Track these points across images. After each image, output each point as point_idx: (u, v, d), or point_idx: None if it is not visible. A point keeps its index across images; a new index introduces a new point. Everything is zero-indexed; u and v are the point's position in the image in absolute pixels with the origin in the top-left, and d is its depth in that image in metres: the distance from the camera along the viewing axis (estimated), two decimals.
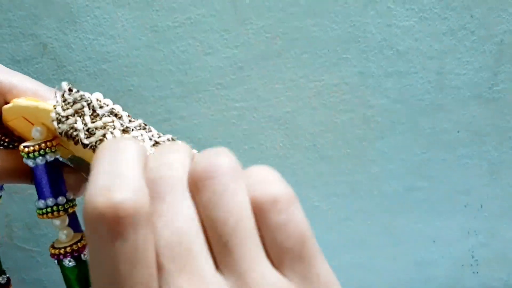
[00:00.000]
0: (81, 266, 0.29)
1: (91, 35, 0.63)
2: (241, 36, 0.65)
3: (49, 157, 0.30)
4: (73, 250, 0.29)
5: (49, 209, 0.30)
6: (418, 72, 0.68)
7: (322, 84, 0.68)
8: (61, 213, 0.30)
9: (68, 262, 0.29)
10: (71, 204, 0.31)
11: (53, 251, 0.30)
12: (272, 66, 0.67)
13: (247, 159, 0.72)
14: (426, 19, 0.66)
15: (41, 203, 0.30)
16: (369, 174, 0.73)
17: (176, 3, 0.63)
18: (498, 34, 0.67)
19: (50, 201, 0.30)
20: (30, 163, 0.29)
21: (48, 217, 0.30)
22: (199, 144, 0.71)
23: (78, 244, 0.30)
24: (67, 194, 0.31)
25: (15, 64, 0.64)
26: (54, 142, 0.31)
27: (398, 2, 0.65)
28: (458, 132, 0.71)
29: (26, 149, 0.29)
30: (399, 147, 0.72)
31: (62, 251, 0.30)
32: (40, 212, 0.30)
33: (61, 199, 0.31)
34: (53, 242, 0.31)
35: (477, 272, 0.79)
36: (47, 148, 0.30)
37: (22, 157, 0.30)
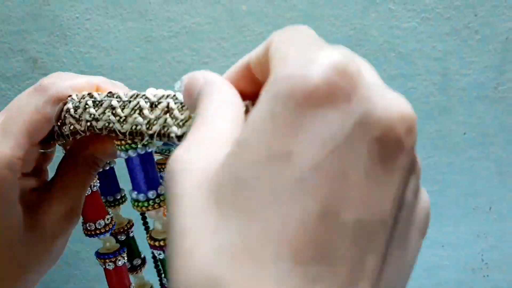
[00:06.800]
0: None
1: (83, 48, 0.61)
2: (238, 44, 0.63)
3: (140, 150, 0.28)
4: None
5: (150, 202, 0.28)
6: (422, 74, 0.66)
7: None
8: (162, 203, 0.28)
9: (158, 255, 0.29)
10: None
11: (152, 242, 0.29)
12: None
13: None
14: (429, 20, 0.64)
15: (141, 196, 0.28)
16: None
17: (170, 12, 0.61)
18: (503, 32, 0.65)
19: (151, 194, 0.28)
20: (123, 155, 0.28)
21: (148, 210, 0.28)
22: None
23: None
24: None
25: (5, 81, 0.62)
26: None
27: (399, 3, 0.63)
28: (464, 134, 0.69)
29: (118, 142, 0.28)
30: None
31: (162, 243, 0.29)
32: (141, 204, 0.28)
33: (159, 191, 0.29)
34: (150, 233, 0.30)
35: (487, 276, 0.77)
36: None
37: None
